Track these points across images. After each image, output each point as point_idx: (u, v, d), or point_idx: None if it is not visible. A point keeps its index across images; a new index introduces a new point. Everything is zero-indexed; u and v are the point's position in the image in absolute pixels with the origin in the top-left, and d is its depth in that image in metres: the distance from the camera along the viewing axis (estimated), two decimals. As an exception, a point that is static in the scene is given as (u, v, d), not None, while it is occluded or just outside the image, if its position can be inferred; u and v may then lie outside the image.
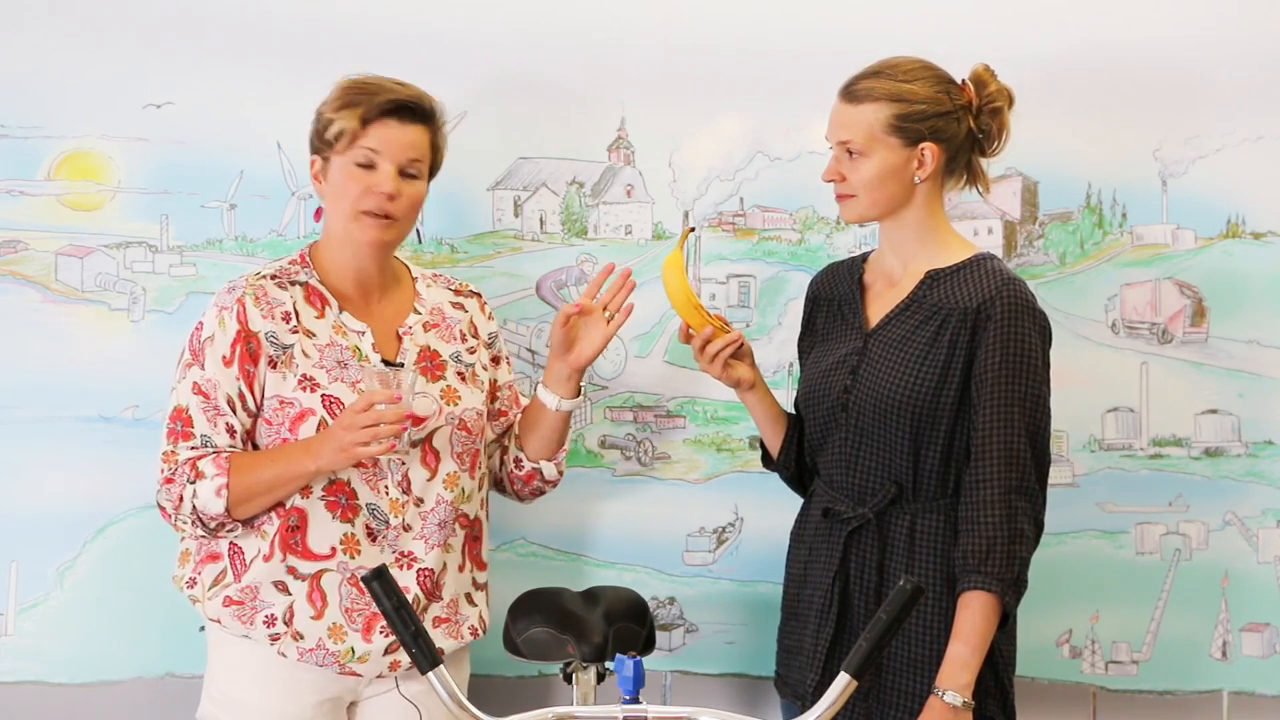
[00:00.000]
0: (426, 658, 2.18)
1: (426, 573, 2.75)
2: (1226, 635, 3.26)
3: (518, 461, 2.92)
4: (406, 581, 2.73)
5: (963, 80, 2.76)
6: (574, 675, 2.77)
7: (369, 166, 2.71)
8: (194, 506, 2.66)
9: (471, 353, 2.86)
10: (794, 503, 2.94)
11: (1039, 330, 2.70)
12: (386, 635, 2.72)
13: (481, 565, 2.86)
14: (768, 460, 2.99)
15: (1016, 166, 3.20)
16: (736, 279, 3.23)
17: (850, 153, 2.73)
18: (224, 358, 2.69)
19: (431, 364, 2.80)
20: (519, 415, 2.94)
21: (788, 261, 3.23)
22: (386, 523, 2.73)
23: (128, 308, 3.14)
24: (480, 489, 2.85)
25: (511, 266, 3.22)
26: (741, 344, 2.87)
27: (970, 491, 2.67)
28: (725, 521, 3.24)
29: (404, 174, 2.73)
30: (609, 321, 2.82)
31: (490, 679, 3.15)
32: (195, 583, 2.75)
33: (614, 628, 2.82)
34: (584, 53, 3.19)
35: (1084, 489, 3.24)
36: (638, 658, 2.31)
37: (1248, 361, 3.24)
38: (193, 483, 2.66)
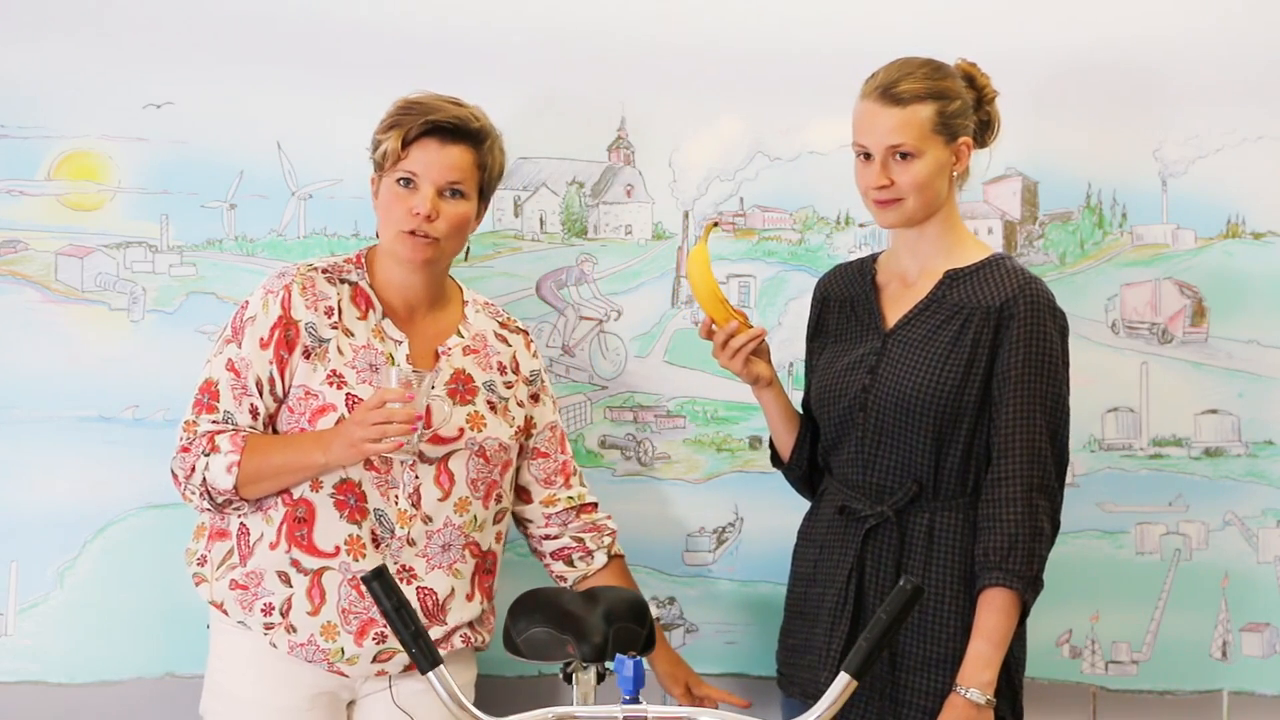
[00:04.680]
0: (426, 657, 2.18)
1: (427, 591, 2.75)
2: (1226, 635, 3.25)
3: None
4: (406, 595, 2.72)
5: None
6: (574, 675, 2.77)
7: (411, 187, 2.73)
8: (204, 478, 2.68)
9: (508, 387, 2.85)
10: (794, 502, 2.93)
11: (1060, 329, 2.72)
12: (378, 642, 2.72)
13: (491, 596, 2.86)
14: (777, 460, 2.98)
15: (1016, 166, 3.20)
16: (736, 279, 3.23)
17: (901, 156, 2.71)
18: (261, 340, 2.71)
19: (464, 388, 2.80)
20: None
21: (788, 261, 3.23)
22: (392, 532, 2.73)
23: (128, 308, 3.14)
24: (496, 522, 2.84)
25: (511, 266, 3.22)
26: (762, 340, 2.87)
27: (992, 489, 2.67)
28: (725, 521, 3.24)
29: (446, 194, 2.73)
30: None
31: (490, 679, 3.14)
32: (206, 560, 2.76)
33: (614, 628, 2.81)
34: (584, 53, 3.19)
35: (1084, 489, 3.24)
36: (638, 658, 2.31)
37: (1248, 361, 3.24)
38: (207, 455, 2.68)
